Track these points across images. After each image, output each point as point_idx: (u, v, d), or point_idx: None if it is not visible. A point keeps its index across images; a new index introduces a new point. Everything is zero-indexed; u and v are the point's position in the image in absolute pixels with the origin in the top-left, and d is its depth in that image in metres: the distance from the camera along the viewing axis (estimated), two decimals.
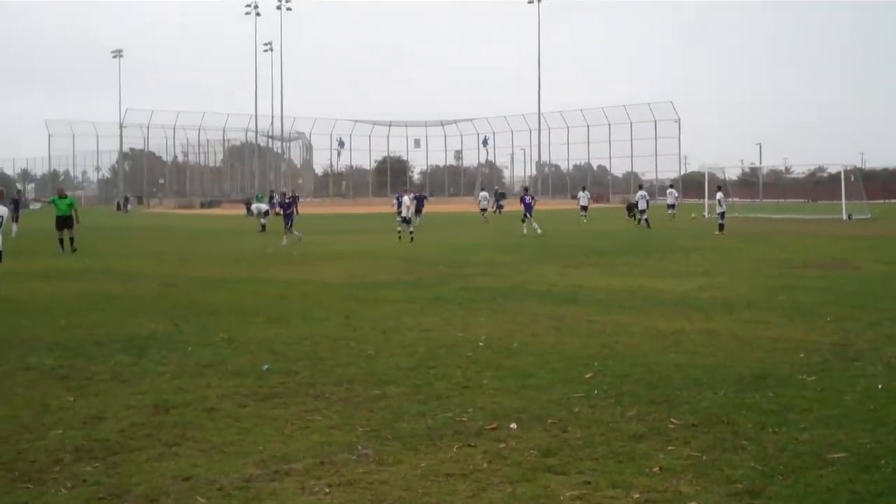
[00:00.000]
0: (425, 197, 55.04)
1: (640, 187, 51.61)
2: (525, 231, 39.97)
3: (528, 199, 42.33)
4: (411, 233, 35.98)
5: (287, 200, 36.06)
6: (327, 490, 6.20)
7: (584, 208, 55.68)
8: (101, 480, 6.46)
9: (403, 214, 37.27)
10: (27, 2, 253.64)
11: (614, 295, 16.88)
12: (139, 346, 11.83)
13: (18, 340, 12.38)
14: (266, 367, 10.29)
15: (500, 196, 77.55)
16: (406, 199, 38.65)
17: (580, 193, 58.81)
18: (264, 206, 47.06)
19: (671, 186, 64.97)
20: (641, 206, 47.96)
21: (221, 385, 9.48)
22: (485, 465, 6.69)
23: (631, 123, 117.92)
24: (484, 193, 59.25)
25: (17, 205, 43.07)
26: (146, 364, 10.66)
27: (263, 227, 44.82)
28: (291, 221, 34.80)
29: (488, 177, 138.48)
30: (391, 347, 11.53)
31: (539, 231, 39.85)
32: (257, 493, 6.17)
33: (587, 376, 9.66)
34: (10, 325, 13.77)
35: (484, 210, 56.91)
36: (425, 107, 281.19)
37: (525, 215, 41.13)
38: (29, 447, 7.30)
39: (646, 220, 46.22)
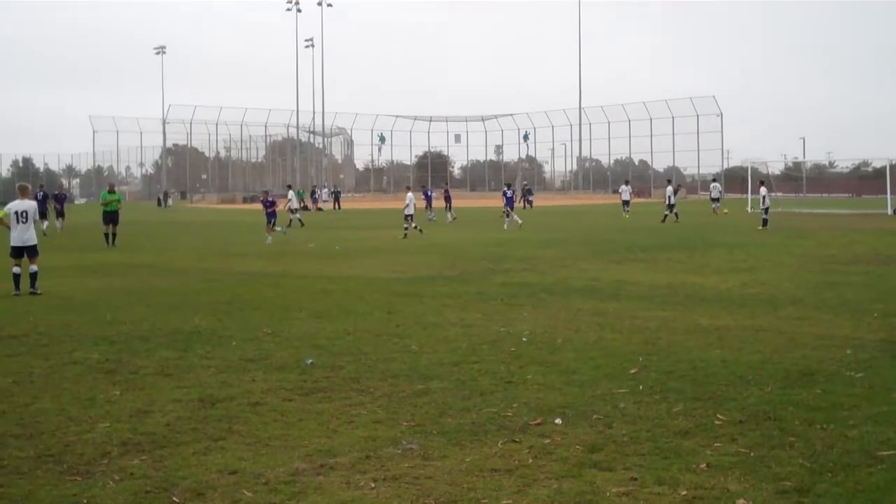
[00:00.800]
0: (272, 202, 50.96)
1: (669, 182, 51.03)
2: (506, 226, 40.80)
3: (508, 192, 43.16)
4: (416, 227, 36.81)
5: (270, 199, 35.40)
6: (373, 485, 6.21)
7: (627, 203, 54.99)
8: (147, 474, 6.51)
9: (407, 212, 37.51)
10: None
11: (657, 291, 16.78)
12: (184, 340, 11.92)
13: (65, 335, 12.52)
14: (310, 361, 10.33)
15: (528, 192, 77.36)
16: (410, 195, 39.00)
17: (622, 187, 58.01)
18: (293, 203, 46.96)
19: (714, 180, 64.10)
20: (666, 199, 47.91)
21: (266, 379, 9.53)
22: (530, 461, 6.68)
23: (673, 118, 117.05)
24: (627, 187, 57.39)
25: (61, 200, 43.36)
26: (191, 358, 10.74)
27: (300, 221, 45.07)
28: (274, 220, 34.25)
29: (529, 171, 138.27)
30: (434, 343, 11.54)
31: (520, 223, 41.21)
32: (303, 487, 6.19)
33: (631, 372, 9.62)
34: (57, 321, 13.91)
35: (626, 202, 55.26)
36: (466, 102, 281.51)
37: (506, 209, 42.07)
38: (77, 440, 7.38)
39: (675, 213, 46.17)
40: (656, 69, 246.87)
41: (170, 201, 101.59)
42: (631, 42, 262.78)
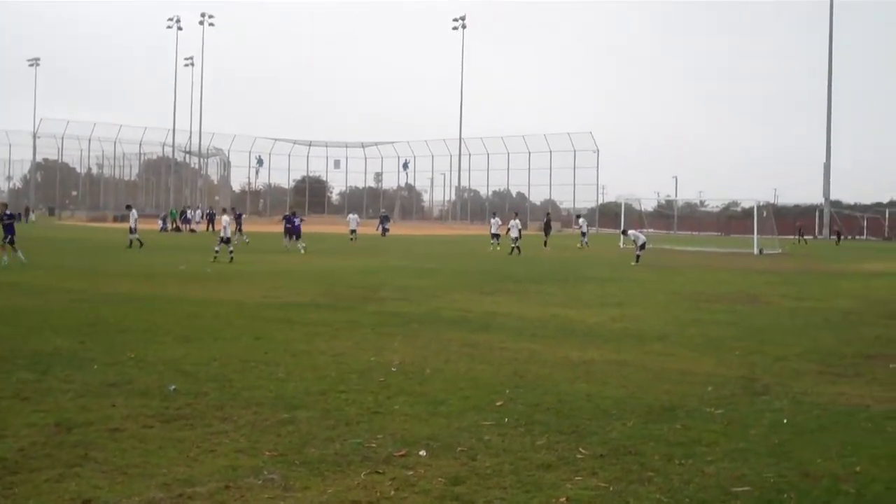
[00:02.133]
0: (297, 218, 47.65)
1: (516, 215, 51.68)
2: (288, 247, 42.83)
3: (296, 220, 45.04)
4: (231, 253, 35.93)
5: (8, 212, 33.06)
6: None
7: (495, 236, 53.18)
8: None
9: (222, 235, 37.37)
10: None
11: (528, 323, 16.94)
12: (44, 362, 11.56)
13: None
14: (173, 387, 10.12)
15: (384, 219, 78.66)
16: (225, 218, 39.06)
17: (492, 220, 55.44)
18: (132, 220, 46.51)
19: (580, 216, 67.49)
20: (513, 234, 47.99)
21: (127, 405, 9.29)
22: (392, 493, 6.64)
23: (550, 152, 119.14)
24: (496, 220, 54.06)
25: None
26: (50, 381, 10.41)
27: (139, 242, 44.43)
28: (12, 236, 31.26)
29: (408, 200, 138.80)
30: (302, 371, 11.42)
31: (303, 250, 42.69)
32: None
33: (498, 404, 9.67)
34: None
35: (495, 236, 53.00)
36: (346, 128, 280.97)
37: (291, 236, 44.14)
38: None
39: (517, 248, 46.66)
40: (536, 103, 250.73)
41: (32, 216, 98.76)
42: (512, 74, 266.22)
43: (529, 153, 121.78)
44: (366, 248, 49.01)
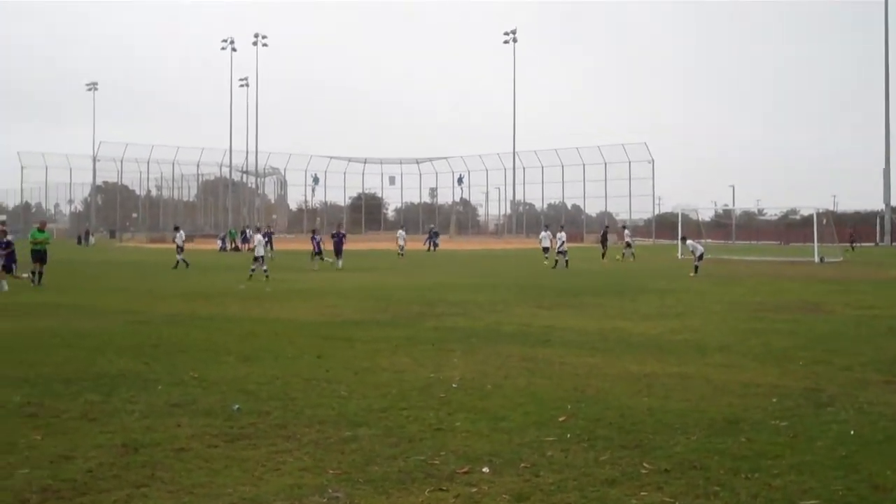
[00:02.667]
0: (343, 235, 48.13)
1: (561, 228, 51.14)
2: (316, 266, 43.24)
3: (317, 238, 45.83)
4: (265, 271, 36.23)
5: (5, 240, 30.76)
6: None
7: (546, 249, 51.77)
8: None
9: (256, 254, 37.77)
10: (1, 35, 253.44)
11: (587, 336, 16.87)
12: (108, 384, 11.71)
13: None
14: (237, 407, 10.20)
15: (434, 234, 79.45)
16: (258, 237, 39.47)
17: (542, 234, 54.42)
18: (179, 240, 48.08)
19: (624, 227, 66.69)
20: (557, 245, 47.68)
21: (191, 425, 9.39)
22: None
23: (605, 164, 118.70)
24: (547, 233, 52.74)
25: None
26: (115, 402, 10.55)
27: (185, 262, 45.24)
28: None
29: (463, 214, 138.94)
30: (364, 388, 11.47)
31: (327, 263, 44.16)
32: None
33: (560, 419, 9.63)
34: None
35: (546, 249, 51.51)
36: (401, 144, 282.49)
37: (315, 253, 44.91)
38: None
39: (565, 261, 46.24)
40: (590, 115, 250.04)
41: (92, 239, 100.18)
42: (565, 86, 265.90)
43: (584, 165, 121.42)
44: (417, 264, 49.12)
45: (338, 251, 45.98)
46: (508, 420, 9.64)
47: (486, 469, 7.70)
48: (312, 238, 46.59)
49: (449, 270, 43.03)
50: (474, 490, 7.12)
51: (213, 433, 9.03)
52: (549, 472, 7.60)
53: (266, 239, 44.73)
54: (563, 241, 47.66)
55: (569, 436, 8.90)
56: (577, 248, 75.53)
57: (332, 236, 47.55)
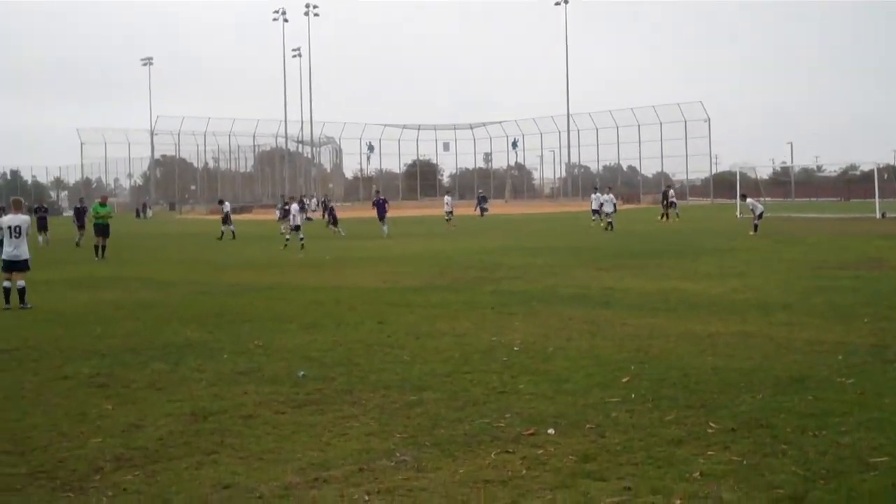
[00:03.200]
0: (385, 201, 47.17)
1: (595, 189, 50.25)
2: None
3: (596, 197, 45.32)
4: (301, 240, 36.36)
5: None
6: (367, 497, 6.20)
7: (596, 212, 49.71)
8: (140, 489, 6.50)
9: (292, 223, 37.87)
10: (55, 12, 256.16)
11: (647, 298, 16.79)
12: (175, 353, 11.89)
13: (55, 349, 12.49)
14: (302, 373, 10.31)
15: (482, 199, 79.21)
16: (294, 206, 39.21)
17: (593, 195, 52.32)
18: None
19: (670, 187, 64.58)
20: (607, 209, 46.98)
21: (258, 392, 9.51)
22: (523, 472, 6.68)
23: (661, 124, 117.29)
24: (597, 195, 50.64)
25: (45, 214, 43.29)
26: (183, 371, 10.72)
27: (232, 233, 45.42)
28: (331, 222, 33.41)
29: (518, 178, 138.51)
30: (426, 353, 11.53)
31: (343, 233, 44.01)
32: (297, 501, 6.18)
33: (623, 380, 9.62)
34: (47, 335, 13.88)
35: (596, 212, 49.56)
36: (454, 110, 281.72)
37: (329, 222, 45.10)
38: (69, 456, 7.36)
39: (610, 223, 45.52)
40: (644, 75, 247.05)
41: (149, 212, 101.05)
42: (618, 48, 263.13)
43: (639, 125, 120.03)
44: (469, 230, 49.07)
45: (381, 217, 45.14)
46: (572, 382, 9.65)
47: (551, 430, 7.72)
48: (285, 206, 46.05)
49: (504, 235, 42.97)
50: (540, 451, 7.15)
51: (279, 400, 9.14)
52: (614, 433, 7.60)
53: (328, 209, 44.51)
54: (607, 203, 47.32)
55: (633, 396, 8.90)
56: (633, 210, 75.11)
57: (374, 203, 47.33)
